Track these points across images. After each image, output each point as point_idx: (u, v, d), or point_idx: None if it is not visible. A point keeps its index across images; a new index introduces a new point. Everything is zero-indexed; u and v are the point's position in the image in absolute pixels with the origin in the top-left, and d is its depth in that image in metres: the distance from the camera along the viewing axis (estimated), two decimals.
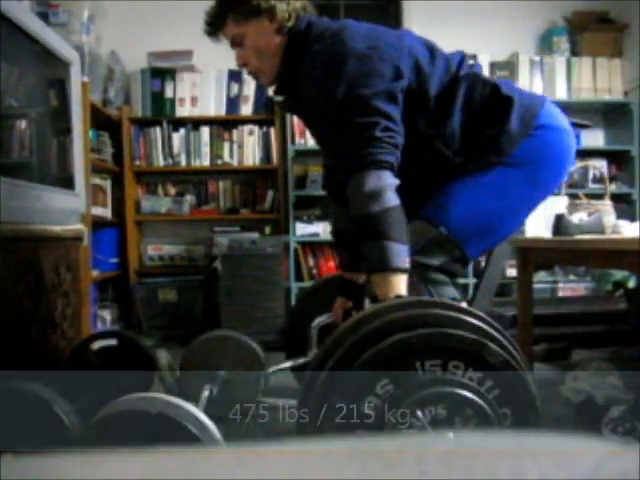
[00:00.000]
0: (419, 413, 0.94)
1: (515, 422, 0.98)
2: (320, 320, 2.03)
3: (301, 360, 2.02)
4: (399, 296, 1.26)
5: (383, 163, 1.33)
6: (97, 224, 3.43)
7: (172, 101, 3.91)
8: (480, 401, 0.96)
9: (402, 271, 1.30)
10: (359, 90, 1.35)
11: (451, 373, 0.96)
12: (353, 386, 0.95)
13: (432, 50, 1.51)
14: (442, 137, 1.46)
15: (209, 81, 3.94)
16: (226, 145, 3.94)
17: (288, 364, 2.06)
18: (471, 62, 1.60)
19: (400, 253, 1.30)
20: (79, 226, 2.21)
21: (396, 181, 1.35)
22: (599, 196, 2.33)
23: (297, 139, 3.84)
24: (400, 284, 1.29)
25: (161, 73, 3.89)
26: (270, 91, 3.93)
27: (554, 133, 1.52)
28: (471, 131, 1.49)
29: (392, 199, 1.32)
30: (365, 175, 1.32)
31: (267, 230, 3.81)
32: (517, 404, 0.98)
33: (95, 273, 3.32)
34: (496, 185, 1.49)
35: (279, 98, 1.73)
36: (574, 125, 1.63)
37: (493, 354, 0.98)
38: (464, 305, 1.27)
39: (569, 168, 1.61)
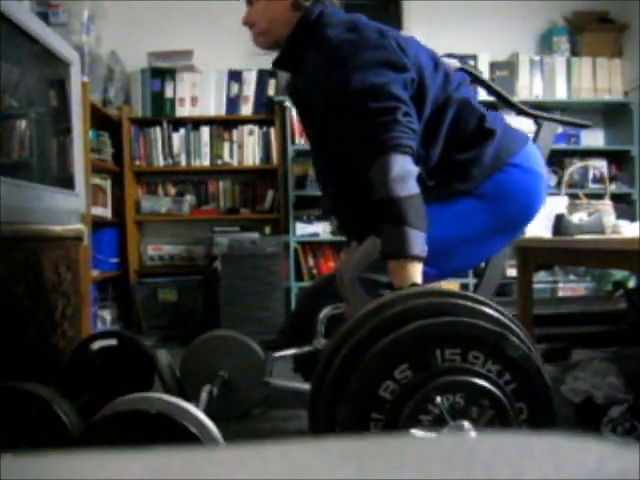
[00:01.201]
0: (438, 399, 0.93)
1: (530, 417, 0.98)
2: (327, 311, 2.02)
3: (306, 348, 2.01)
4: (414, 284, 1.26)
5: (406, 148, 1.32)
6: (97, 224, 3.43)
7: (172, 101, 3.91)
8: (498, 393, 0.96)
9: (419, 259, 1.29)
10: (376, 77, 1.34)
11: (470, 363, 0.96)
12: (371, 369, 0.94)
13: (435, 62, 1.51)
14: (420, 155, 1.44)
15: (209, 81, 3.94)
16: (226, 145, 3.94)
17: (292, 351, 2.04)
18: (470, 88, 1.60)
19: (419, 241, 1.29)
20: (79, 226, 2.21)
21: (417, 168, 1.34)
22: (599, 196, 2.33)
23: (297, 139, 3.84)
24: (417, 272, 1.28)
25: (161, 73, 3.89)
26: (271, 91, 3.94)
27: (526, 174, 1.51)
28: (446, 154, 1.48)
29: (415, 186, 1.31)
30: (390, 159, 1.30)
31: (267, 230, 3.81)
32: (533, 400, 0.98)
33: (95, 273, 3.32)
34: (457, 214, 1.48)
35: (287, 77, 1.68)
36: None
37: (513, 347, 0.97)
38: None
39: (536, 212, 1.57)
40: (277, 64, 1.62)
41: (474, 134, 1.48)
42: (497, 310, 1.07)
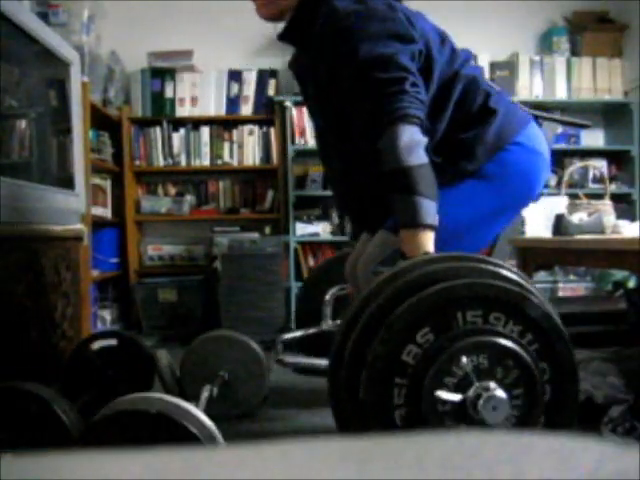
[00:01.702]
0: (463, 359, 0.92)
1: (553, 378, 0.97)
2: (334, 292, 2.01)
3: (312, 330, 2.00)
4: (427, 253, 1.25)
5: (414, 118, 1.32)
6: (97, 224, 3.43)
7: (172, 101, 3.91)
8: (522, 352, 0.95)
9: (432, 228, 1.29)
10: (384, 48, 1.34)
11: (492, 325, 0.95)
12: (393, 334, 0.93)
13: (442, 37, 1.51)
14: (427, 129, 1.43)
15: (209, 81, 3.94)
16: (226, 145, 3.95)
17: (300, 333, 2.03)
18: (476, 65, 1.59)
19: (431, 210, 1.28)
20: (79, 226, 2.21)
21: (425, 139, 1.34)
22: (599, 196, 2.33)
23: (297, 139, 3.84)
24: (429, 241, 1.28)
25: (161, 73, 3.89)
26: (271, 91, 3.94)
27: (528, 153, 1.51)
28: (451, 130, 1.48)
29: (424, 156, 1.31)
30: (399, 129, 1.30)
31: (267, 230, 3.81)
32: (556, 360, 0.97)
33: (95, 273, 3.32)
34: (464, 197, 1.48)
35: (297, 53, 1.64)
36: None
37: (534, 307, 0.96)
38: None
39: (537, 191, 1.57)
40: (282, 37, 1.58)
41: (479, 112, 1.48)
42: (516, 273, 1.07)
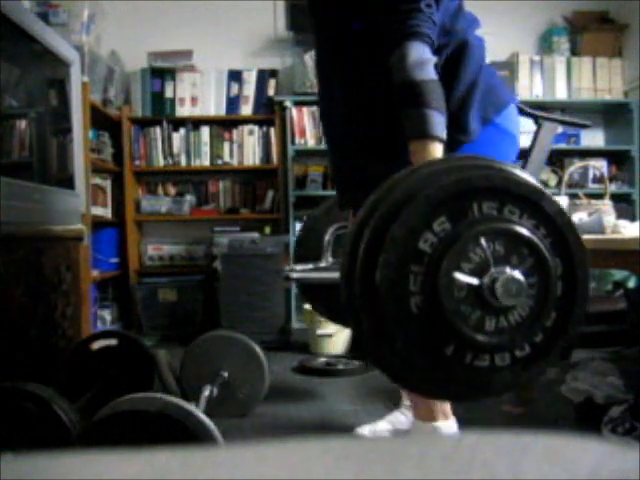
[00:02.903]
0: (481, 242, 0.92)
1: (565, 274, 0.97)
2: (334, 230, 1.99)
3: (312, 266, 1.96)
4: None
5: (426, 37, 1.33)
6: (97, 224, 3.43)
7: (172, 101, 3.91)
8: (537, 241, 0.95)
9: (441, 140, 1.31)
10: None
11: (507, 217, 0.95)
12: (410, 221, 0.92)
13: None
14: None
15: (209, 81, 3.94)
16: (226, 145, 3.95)
17: (300, 266, 1.99)
18: (481, 38, 1.60)
19: (440, 123, 1.30)
20: (79, 226, 2.21)
21: (435, 58, 1.36)
22: (599, 196, 2.33)
23: (297, 139, 3.84)
24: (438, 153, 1.30)
25: (161, 73, 3.90)
26: (271, 91, 3.94)
27: (502, 135, 1.53)
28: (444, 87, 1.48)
29: (434, 73, 1.33)
30: (410, 45, 1.32)
31: (267, 230, 3.81)
32: (568, 255, 0.97)
33: (95, 273, 3.32)
34: None
35: None
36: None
37: (550, 202, 0.96)
38: None
39: None
40: None
41: (467, 80, 1.48)
42: (529, 175, 1.07)
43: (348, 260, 1.00)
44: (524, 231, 0.95)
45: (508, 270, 0.93)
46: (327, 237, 1.97)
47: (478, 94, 1.48)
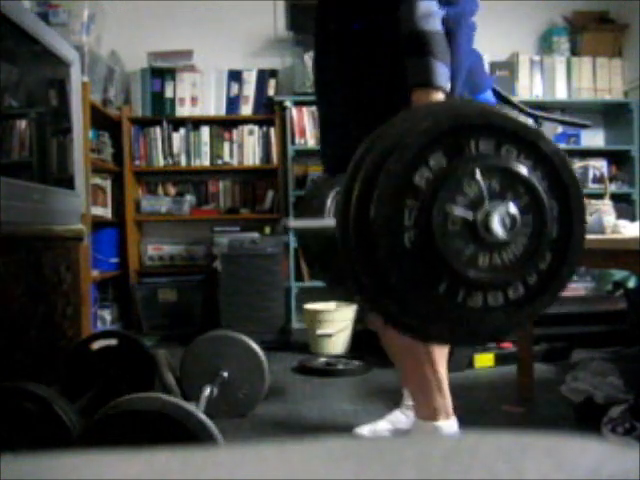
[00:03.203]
0: (477, 175, 0.91)
1: (561, 216, 0.97)
2: (337, 191, 1.97)
3: (314, 220, 1.95)
4: None
5: None
6: (97, 224, 3.43)
7: (172, 101, 3.91)
8: (533, 179, 0.94)
9: (444, 92, 1.31)
10: None
11: (503, 156, 0.94)
12: (406, 154, 0.91)
13: None
14: None
15: (209, 81, 3.94)
16: (226, 145, 3.95)
17: (301, 220, 1.97)
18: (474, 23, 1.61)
19: (444, 74, 1.31)
20: (79, 226, 2.21)
21: (441, 12, 1.37)
22: (599, 196, 2.33)
23: (297, 139, 3.84)
24: None
25: (161, 73, 3.89)
26: (271, 91, 3.94)
27: None
28: None
29: (440, 26, 1.35)
30: None
31: (267, 230, 3.81)
32: (566, 198, 0.97)
33: (95, 273, 3.32)
34: None
35: None
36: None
37: (547, 143, 0.96)
38: None
39: None
40: None
41: (458, 55, 1.46)
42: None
43: (344, 197, 0.99)
44: (520, 168, 0.94)
45: (503, 205, 0.92)
46: (329, 202, 1.95)
47: (463, 71, 1.47)
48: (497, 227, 0.91)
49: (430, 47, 1.32)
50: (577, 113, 3.92)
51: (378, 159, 0.95)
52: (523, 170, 0.94)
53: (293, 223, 1.77)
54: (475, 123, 0.94)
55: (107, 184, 3.79)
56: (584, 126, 2.21)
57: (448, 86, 1.32)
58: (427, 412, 1.56)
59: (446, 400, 1.56)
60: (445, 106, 1.01)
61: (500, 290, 0.95)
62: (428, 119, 0.95)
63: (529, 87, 3.98)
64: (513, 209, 0.92)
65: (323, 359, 2.92)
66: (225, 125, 3.95)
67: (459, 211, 0.91)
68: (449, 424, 1.56)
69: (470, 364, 2.71)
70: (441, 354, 1.56)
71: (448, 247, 0.91)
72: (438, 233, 0.90)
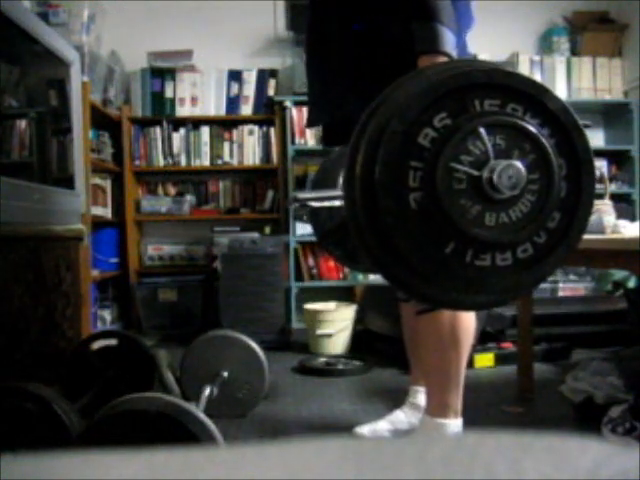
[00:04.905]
0: (482, 132, 0.89)
1: (569, 174, 0.94)
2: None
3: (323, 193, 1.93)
4: None
5: None
6: (97, 224, 3.43)
7: (172, 101, 3.91)
8: (540, 136, 0.92)
9: (450, 57, 1.30)
10: None
11: (509, 114, 0.92)
12: (410, 115, 0.90)
13: None
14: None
15: (209, 81, 3.94)
16: (226, 145, 3.95)
17: (311, 194, 1.95)
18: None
19: (450, 39, 1.30)
20: (79, 226, 2.21)
21: None
22: (599, 196, 2.33)
23: (297, 139, 3.84)
24: None
25: (161, 73, 3.89)
26: (271, 91, 3.94)
27: None
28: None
29: None
30: None
31: (267, 230, 3.81)
32: (573, 156, 0.94)
33: (95, 273, 3.32)
34: None
35: None
36: None
37: (554, 99, 0.94)
38: None
39: None
40: None
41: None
42: None
43: (350, 161, 0.97)
44: (526, 124, 0.92)
45: (508, 162, 0.90)
46: (340, 180, 1.94)
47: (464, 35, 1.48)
48: (502, 182, 0.89)
49: (437, 13, 1.30)
50: (577, 113, 3.91)
51: (382, 121, 0.93)
52: (528, 126, 0.92)
53: (301, 195, 1.75)
54: (479, 82, 0.92)
55: (107, 184, 3.79)
56: (584, 126, 2.21)
57: (454, 53, 1.31)
58: (439, 408, 1.56)
59: (459, 399, 1.57)
60: (448, 66, 0.99)
61: (509, 250, 0.93)
62: (431, 79, 0.93)
63: None
64: (519, 165, 0.90)
65: (323, 359, 2.92)
66: (225, 125, 3.95)
67: (464, 169, 0.89)
68: (456, 423, 1.57)
69: (470, 364, 2.71)
70: (466, 351, 1.56)
71: (454, 206, 0.89)
72: (443, 192, 0.88)
